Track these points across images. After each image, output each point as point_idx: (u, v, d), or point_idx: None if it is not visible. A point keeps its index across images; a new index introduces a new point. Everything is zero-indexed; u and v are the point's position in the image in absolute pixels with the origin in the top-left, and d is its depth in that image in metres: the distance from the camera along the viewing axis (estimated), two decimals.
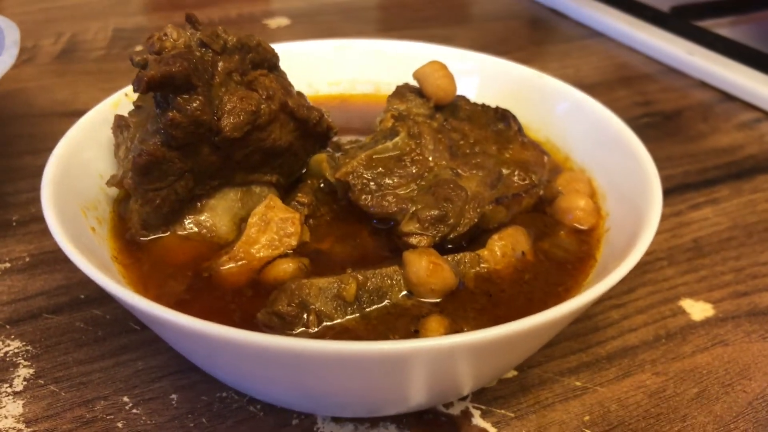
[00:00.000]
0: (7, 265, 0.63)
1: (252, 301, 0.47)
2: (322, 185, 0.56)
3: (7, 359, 0.54)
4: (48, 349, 0.55)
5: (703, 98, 1.00)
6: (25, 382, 0.52)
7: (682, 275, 0.65)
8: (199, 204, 0.53)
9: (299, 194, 0.54)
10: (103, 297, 0.59)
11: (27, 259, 0.64)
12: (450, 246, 0.52)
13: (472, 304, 0.48)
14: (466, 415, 0.50)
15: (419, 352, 0.37)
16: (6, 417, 0.49)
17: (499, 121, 0.61)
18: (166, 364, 0.53)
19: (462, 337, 0.37)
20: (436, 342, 0.37)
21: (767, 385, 0.54)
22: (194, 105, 0.46)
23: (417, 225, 0.51)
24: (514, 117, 0.61)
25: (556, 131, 0.66)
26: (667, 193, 0.77)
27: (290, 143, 0.54)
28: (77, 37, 1.12)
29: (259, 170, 0.54)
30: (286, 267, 0.48)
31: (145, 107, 0.52)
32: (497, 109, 0.62)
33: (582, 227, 0.55)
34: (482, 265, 0.50)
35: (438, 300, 0.48)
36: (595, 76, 1.06)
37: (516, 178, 0.57)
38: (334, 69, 0.74)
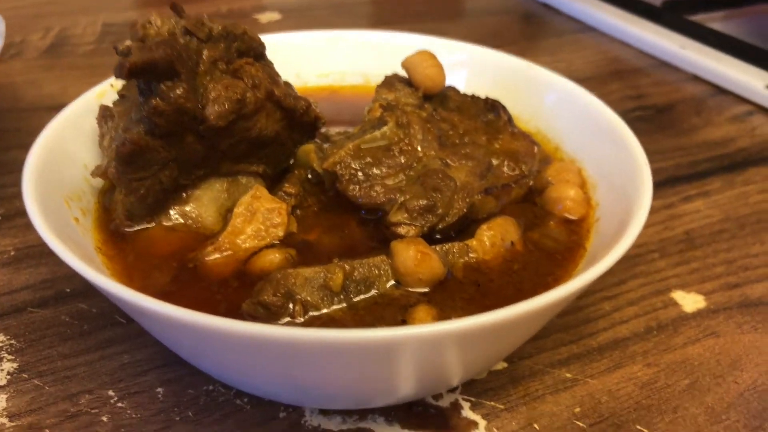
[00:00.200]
0: None
1: (238, 292, 0.47)
2: (309, 176, 0.55)
3: None
4: (32, 343, 0.54)
5: (695, 92, 1.00)
6: (8, 377, 0.51)
7: (673, 267, 0.65)
8: (184, 194, 0.52)
9: (286, 184, 0.54)
10: (89, 290, 0.58)
11: (12, 253, 0.63)
12: (439, 236, 0.52)
13: (461, 293, 0.47)
14: (456, 407, 0.50)
15: (406, 340, 0.37)
16: None
17: (488, 112, 0.61)
18: (152, 358, 0.52)
19: (450, 324, 0.36)
20: (423, 329, 0.36)
21: (758, 376, 0.54)
22: (178, 92, 0.45)
23: (405, 215, 0.50)
24: (503, 107, 0.61)
25: (546, 122, 0.65)
26: (659, 185, 0.76)
27: (277, 133, 0.53)
28: (66, 31, 1.11)
29: (245, 160, 0.53)
30: (273, 258, 0.48)
31: (130, 96, 0.51)
32: (487, 99, 0.62)
33: (572, 217, 0.55)
34: (471, 255, 0.50)
35: (426, 290, 0.47)
36: (588, 70, 1.05)
37: (506, 168, 0.56)
38: (324, 60, 0.73)
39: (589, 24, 1.21)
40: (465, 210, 0.52)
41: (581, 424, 0.49)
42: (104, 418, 0.48)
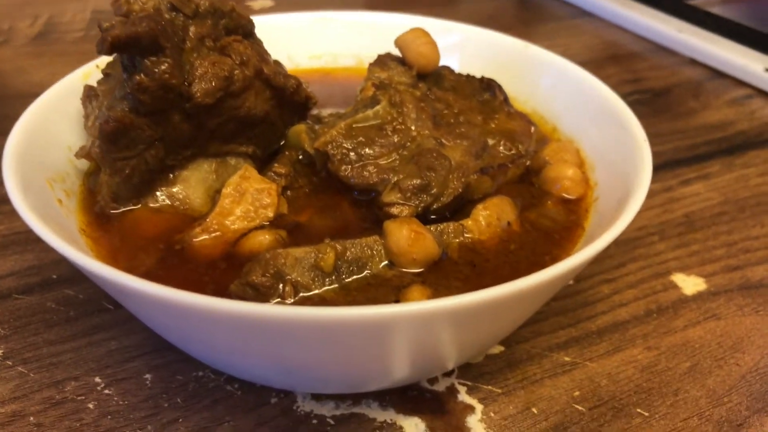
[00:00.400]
0: None
1: (226, 274, 0.45)
2: (300, 157, 0.54)
3: None
4: (17, 329, 0.53)
5: (692, 75, 0.98)
6: None
7: (673, 250, 0.64)
8: (171, 175, 0.50)
9: (276, 165, 0.52)
10: (76, 276, 0.57)
11: None
12: (433, 217, 0.50)
13: (456, 274, 0.46)
14: (452, 391, 0.49)
15: (399, 318, 0.35)
16: None
17: (484, 91, 0.59)
18: (141, 344, 0.51)
19: (443, 302, 0.35)
20: (416, 307, 0.35)
21: (760, 358, 0.53)
22: (162, 68, 0.44)
23: (399, 195, 0.49)
24: (499, 87, 0.59)
25: (543, 101, 0.64)
26: (658, 168, 0.75)
27: (266, 112, 0.52)
28: (55, 18, 1.09)
29: (234, 140, 0.52)
30: (262, 239, 0.46)
31: (114, 75, 0.50)
32: (482, 78, 0.60)
33: (570, 197, 0.54)
34: (466, 235, 0.48)
35: (420, 270, 0.46)
36: (585, 54, 1.04)
37: (502, 148, 0.55)
38: (316, 42, 0.72)
39: (586, 9, 1.20)
40: (460, 190, 0.50)
41: (580, 408, 0.48)
42: (90, 405, 0.47)
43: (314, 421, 0.46)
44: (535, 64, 0.65)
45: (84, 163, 0.54)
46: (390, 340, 0.38)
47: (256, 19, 0.54)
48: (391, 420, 0.46)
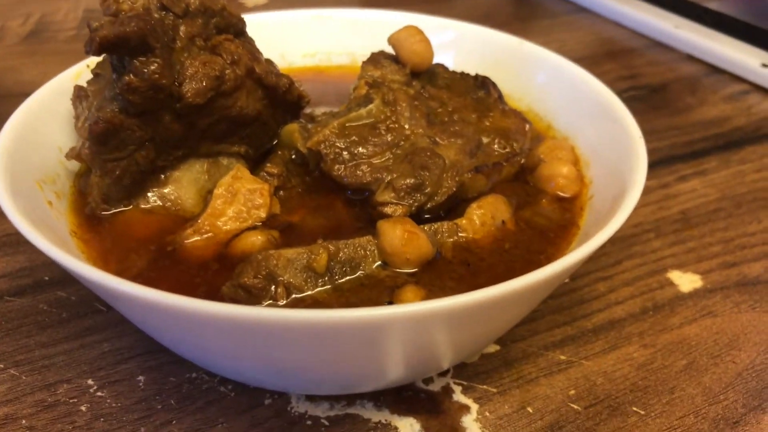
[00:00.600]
0: None
1: (218, 276, 0.45)
2: (293, 156, 0.53)
3: None
4: (9, 332, 0.52)
5: (689, 71, 0.98)
6: None
7: (669, 247, 0.64)
8: (162, 176, 0.50)
9: (268, 165, 0.52)
10: (68, 278, 0.56)
11: None
12: (427, 216, 0.50)
13: (450, 273, 0.46)
14: (447, 391, 0.48)
15: (392, 320, 0.35)
16: None
17: (478, 89, 0.59)
18: (134, 345, 0.51)
19: (437, 303, 0.35)
20: (409, 308, 0.35)
21: (757, 356, 0.53)
22: (152, 68, 0.43)
23: (392, 194, 0.49)
24: (494, 84, 0.59)
25: (537, 99, 0.64)
26: (654, 165, 0.75)
27: (259, 112, 0.51)
28: (47, 17, 1.08)
29: (226, 140, 0.51)
30: (255, 239, 0.46)
31: (104, 75, 0.49)
32: (477, 76, 0.60)
33: (565, 195, 0.53)
34: (460, 235, 0.48)
35: (414, 270, 0.45)
36: (581, 50, 1.04)
37: (496, 146, 0.55)
38: (310, 40, 0.71)
39: (583, 4, 1.19)
40: (454, 189, 0.50)
41: (576, 407, 0.48)
42: (83, 408, 0.46)
43: (308, 422, 0.46)
44: (530, 61, 0.65)
45: (75, 164, 0.53)
46: (384, 342, 0.37)
47: (249, 17, 0.54)
48: (386, 420, 0.46)
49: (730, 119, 0.86)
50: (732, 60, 0.96)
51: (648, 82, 0.94)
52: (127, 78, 0.43)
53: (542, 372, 0.50)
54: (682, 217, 0.68)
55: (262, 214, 0.48)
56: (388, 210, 0.48)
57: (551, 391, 0.49)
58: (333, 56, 0.72)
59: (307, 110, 0.59)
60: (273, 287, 0.42)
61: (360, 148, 0.51)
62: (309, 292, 0.43)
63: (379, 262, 0.46)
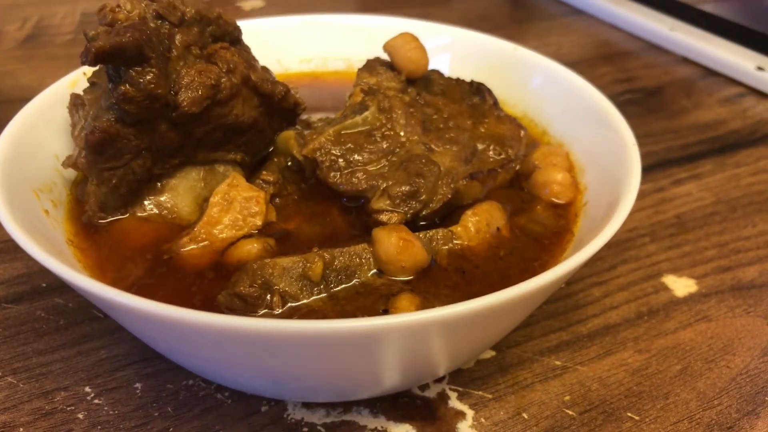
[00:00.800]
0: None
1: (214, 284, 0.45)
2: (289, 163, 0.54)
3: None
4: (6, 339, 0.52)
5: (685, 74, 0.98)
6: None
7: (664, 251, 0.64)
8: (159, 184, 0.50)
9: (264, 172, 0.52)
10: (65, 285, 0.56)
11: None
12: (422, 223, 0.50)
13: (445, 281, 0.46)
14: (443, 397, 0.49)
15: (388, 330, 0.35)
16: None
17: (473, 95, 0.59)
18: (131, 353, 0.51)
19: (432, 313, 0.35)
20: (405, 318, 0.35)
21: (751, 360, 0.53)
22: (148, 78, 0.43)
23: (388, 202, 0.49)
24: (489, 90, 0.59)
25: (532, 105, 0.64)
26: (650, 169, 0.75)
27: (255, 120, 0.51)
28: (44, 21, 1.09)
29: (222, 148, 0.52)
30: (251, 248, 0.46)
31: (101, 83, 0.49)
32: (472, 82, 0.60)
33: (559, 201, 0.54)
34: (455, 242, 0.48)
35: (409, 278, 0.46)
36: (577, 53, 1.04)
37: (491, 152, 0.55)
38: (306, 46, 0.71)
39: (579, 7, 1.19)
40: (449, 196, 0.50)
41: (571, 413, 0.48)
42: (80, 416, 0.47)
43: (305, 429, 0.46)
44: (524, 66, 0.65)
45: (71, 172, 0.53)
46: (380, 352, 0.38)
47: (245, 24, 0.54)
48: (382, 427, 0.46)
49: (726, 122, 0.86)
50: (727, 63, 0.96)
51: (643, 85, 0.95)
52: (123, 88, 0.43)
53: (537, 378, 0.51)
54: (677, 221, 0.68)
55: (258, 221, 0.48)
56: (383, 217, 0.48)
57: (546, 397, 0.49)
58: (329, 62, 0.73)
59: (303, 116, 0.60)
60: (269, 296, 0.43)
61: (356, 156, 0.51)
62: (305, 301, 0.44)
63: (375, 270, 0.46)
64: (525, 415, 0.48)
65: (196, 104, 0.46)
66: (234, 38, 0.52)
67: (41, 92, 0.55)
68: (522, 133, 0.58)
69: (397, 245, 0.44)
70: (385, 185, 0.50)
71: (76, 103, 0.52)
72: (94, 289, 0.36)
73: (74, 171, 0.53)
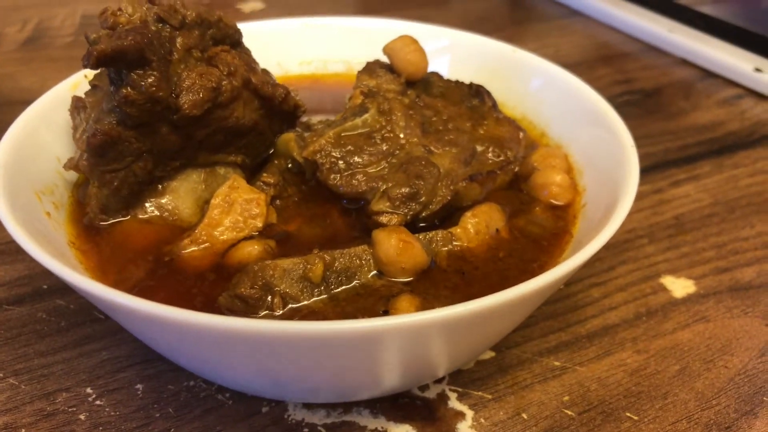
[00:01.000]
0: None
1: (215, 286, 0.45)
2: (290, 165, 0.54)
3: None
4: (8, 341, 0.53)
5: (683, 75, 0.99)
6: None
7: (663, 252, 0.64)
8: (160, 186, 0.50)
9: (265, 174, 0.52)
10: (67, 287, 0.56)
11: None
12: (422, 224, 0.51)
13: (445, 282, 0.46)
14: (442, 398, 0.49)
15: (388, 331, 0.35)
16: None
17: (473, 97, 0.59)
18: (132, 354, 0.51)
19: (432, 314, 0.35)
20: (405, 320, 0.35)
21: (749, 360, 0.53)
22: (149, 81, 0.44)
23: (387, 203, 0.49)
24: (488, 92, 0.60)
25: (531, 107, 0.64)
26: (648, 170, 0.76)
27: (255, 122, 0.52)
28: (44, 23, 1.09)
29: (223, 150, 0.52)
30: (251, 249, 0.46)
31: (102, 86, 0.50)
32: (471, 84, 0.60)
33: (558, 203, 0.54)
34: (455, 243, 0.48)
35: (409, 279, 0.46)
36: (576, 55, 1.04)
37: (490, 154, 0.55)
38: (306, 48, 0.72)
39: (577, 9, 1.20)
40: (449, 197, 0.51)
41: (570, 413, 0.48)
42: (82, 417, 0.47)
43: (305, 430, 0.46)
44: (523, 69, 0.65)
45: (73, 175, 0.54)
46: (380, 353, 0.38)
47: (246, 26, 0.54)
48: (382, 428, 0.47)
49: (724, 124, 0.87)
50: (725, 64, 0.97)
51: (642, 87, 0.95)
52: (124, 91, 0.44)
53: (537, 378, 0.51)
54: (675, 223, 0.68)
55: (259, 223, 0.49)
56: (383, 219, 0.49)
57: (546, 397, 0.50)
58: (329, 64, 0.73)
59: (304, 119, 0.60)
60: (269, 297, 0.43)
61: (355, 158, 0.51)
62: (305, 302, 0.44)
63: (375, 272, 0.46)
64: (524, 416, 0.48)
65: (197, 107, 0.46)
66: (234, 41, 0.52)
67: (43, 95, 0.55)
68: (521, 134, 0.58)
69: (397, 247, 0.45)
70: (384, 187, 0.50)
71: (77, 105, 0.52)
72: (96, 290, 0.36)
73: (76, 173, 0.53)
